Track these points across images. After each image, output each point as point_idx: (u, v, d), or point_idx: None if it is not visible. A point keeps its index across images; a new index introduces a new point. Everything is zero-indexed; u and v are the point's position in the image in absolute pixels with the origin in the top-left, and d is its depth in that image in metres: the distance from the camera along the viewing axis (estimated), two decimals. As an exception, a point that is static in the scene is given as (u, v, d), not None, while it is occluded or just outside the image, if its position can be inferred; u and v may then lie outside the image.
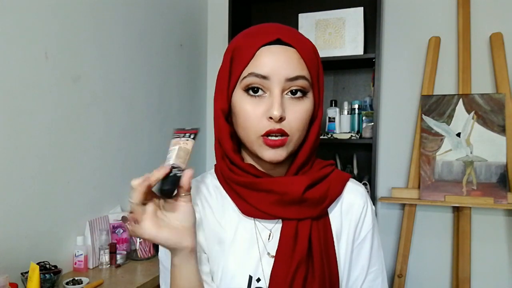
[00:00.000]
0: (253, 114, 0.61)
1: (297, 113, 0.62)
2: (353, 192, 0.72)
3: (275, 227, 0.67)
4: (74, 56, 1.54)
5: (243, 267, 0.65)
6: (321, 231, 0.66)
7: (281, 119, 0.60)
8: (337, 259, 0.67)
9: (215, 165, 0.73)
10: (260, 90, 0.62)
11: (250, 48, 0.62)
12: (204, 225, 0.69)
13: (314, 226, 0.65)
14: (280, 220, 0.66)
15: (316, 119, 0.67)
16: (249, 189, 0.65)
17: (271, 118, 0.60)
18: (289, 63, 0.61)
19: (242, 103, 0.62)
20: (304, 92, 0.63)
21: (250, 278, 0.65)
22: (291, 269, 0.63)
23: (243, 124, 0.63)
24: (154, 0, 2.04)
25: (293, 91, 0.62)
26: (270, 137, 0.61)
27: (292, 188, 0.63)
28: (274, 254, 0.65)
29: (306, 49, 0.63)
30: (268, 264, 0.65)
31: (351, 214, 0.71)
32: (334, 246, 0.67)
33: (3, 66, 1.27)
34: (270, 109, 0.60)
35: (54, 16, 1.45)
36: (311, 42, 0.67)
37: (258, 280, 0.65)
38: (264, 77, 0.61)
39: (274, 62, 0.61)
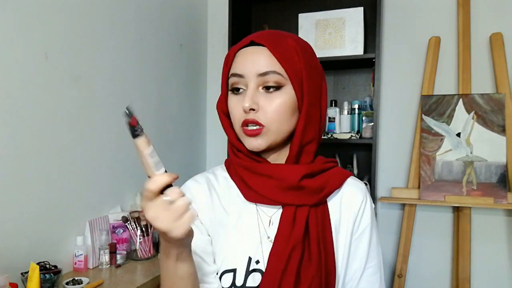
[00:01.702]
0: (235, 108, 0.70)
1: (271, 105, 0.68)
2: (353, 187, 0.77)
3: (275, 214, 0.72)
4: (74, 56, 1.54)
5: (244, 249, 0.71)
6: (319, 218, 0.71)
7: (253, 110, 0.67)
8: (335, 250, 0.71)
9: (226, 160, 0.81)
10: (241, 88, 0.70)
11: (231, 54, 0.72)
12: (210, 210, 0.74)
13: (312, 213, 0.70)
14: (280, 208, 0.72)
15: (301, 112, 0.70)
16: (251, 172, 0.72)
17: (244, 110, 0.67)
18: (259, 60, 0.68)
19: (230, 101, 0.72)
20: (278, 86, 0.68)
21: (250, 259, 0.70)
22: (287, 251, 0.67)
23: (231, 118, 0.72)
24: (154, 0, 2.04)
25: (268, 85, 0.68)
26: (248, 127, 0.68)
27: (290, 175, 0.69)
28: (273, 238, 0.70)
29: (279, 47, 0.69)
30: (267, 247, 0.70)
31: (351, 207, 0.75)
32: (331, 234, 0.71)
33: (3, 66, 1.27)
34: (242, 102, 0.67)
35: (54, 16, 1.45)
36: (294, 40, 0.71)
37: (258, 262, 0.70)
38: (240, 76, 0.69)
39: (246, 61, 0.69)
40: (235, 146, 0.74)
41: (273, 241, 0.69)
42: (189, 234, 0.56)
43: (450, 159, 1.93)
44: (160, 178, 0.53)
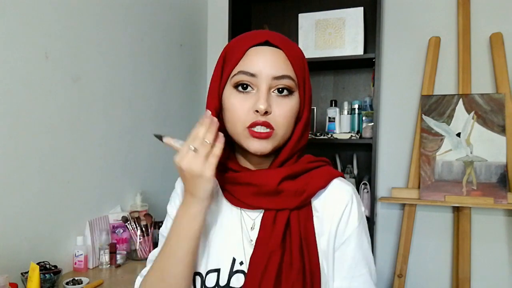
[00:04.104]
0: (241, 108, 0.66)
1: (282, 109, 0.66)
2: (338, 189, 0.72)
3: (257, 218, 0.72)
4: (74, 56, 1.54)
5: (228, 250, 0.71)
6: (301, 222, 0.69)
7: (266, 113, 0.65)
8: (318, 253, 0.69)
9: None
10: (248, 87, 0.67)
11: (240, 49, 0.68)
12: None
13: (293, 217, 0.69)
14: (263, 211, 0.71)
15: (301, 119, 0.71)
16: (231, 183, 0.71)
17: (257, 111, 0.65)
18: (276, 63, 0.66)
19: (231, 98, 0.68)
20: (290, 91, 0.68)
21: (234, 260, 0.70)
22: (266, 255, 0.67)
23: (231, 117, 0.68)
24: (154, 0, 2.04)
25: (280, 89, 0.67)
26: (255, 129, 0.65)
27: (268, 180, 0.68)
28: (255, 242, 0.69)
29: (293, 52, 0.69)
30: (250, 250, 0.70)
31: (334, 210, 0.71)
32: (315, 237, 0.69)
33: (3, 66, 1.27)
34: (257, 103, 0.65)
35: (54, 16, 1.45)
36: (300, 49, 0.73)
37: (241, 263, 0.70)
38: (252, 75, 0.66)
39: (262, 62, 0.66)
40: None
41: (254, 244, 0.69)
42: (211, 189, 0.65)
43: (450, 159, 1.93)
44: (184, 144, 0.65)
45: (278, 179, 0.67)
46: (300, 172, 0.71)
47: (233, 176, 0.71)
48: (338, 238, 0.70)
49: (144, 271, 0.77)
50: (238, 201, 0.72)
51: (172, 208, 0.79)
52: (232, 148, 0.74)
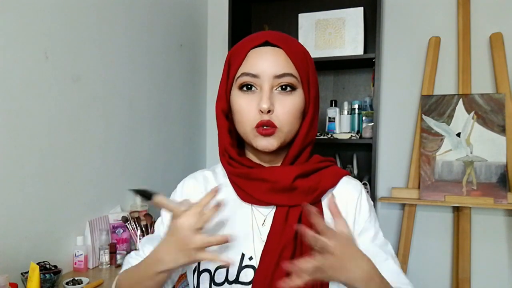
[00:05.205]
0: (247, 109, 0.69)
1: (285, 107, 0.69)
2: (347, 186, 0.77)
3: (269, 214, 0.74)
4: (74, 56, 1.54)
5: (237, 246, 0.72)
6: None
7: (269, 111, 0.67)
8: None
9: None
10: (252, 87, 0.70)
11: (242, 52, 0.71)
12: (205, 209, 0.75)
13: (305, 213, 0.69)
14: (275, 207, 0.73)
15: (307, 115, 0.73)
16: (244, 178, 0.73)
17: (261, 111, 0.67)
18: (277, 62, 0.69)
19: (238, 99, 0.71)
20: (292, 88, 0.70)
21: (243, 255, 0.71)
22: (278, 249, 0.68)
23: (239, 118, 0.71)
24: (154, 1, 2.04)
25: (282, 86, 0.69)
26: (262, 128, 0.68)
27: (283, 177, 0.70)
28: (266, 237, 0.71)
29: (293, 50, 0.71)
30: (260, 245, 0.71)
31: (346, 206, 0.74)
32: None
33: (3, 66, 1.27)
34: (260, 103, 0.68)
35: (54, 16, 1.45)
36: (301, 45, 0.75)
37: (251, 258, 0.71)
38: (254, 76, 0.69)
39: (263, 62, 0.69)
40: (227, 153, 0.74)
41: (265, 240, 0.71)
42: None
43: (450, 159, 1.93)
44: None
45: (292, 176, 0.70)
46: (311, 171, 0.73)
47: (246, 172, 0.72)
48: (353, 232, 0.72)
49: (120, 272, 0.78)
50: (250, 197, 0.73)
51: (166, 215, 0.79)
52: (243, 145, 0.78)
